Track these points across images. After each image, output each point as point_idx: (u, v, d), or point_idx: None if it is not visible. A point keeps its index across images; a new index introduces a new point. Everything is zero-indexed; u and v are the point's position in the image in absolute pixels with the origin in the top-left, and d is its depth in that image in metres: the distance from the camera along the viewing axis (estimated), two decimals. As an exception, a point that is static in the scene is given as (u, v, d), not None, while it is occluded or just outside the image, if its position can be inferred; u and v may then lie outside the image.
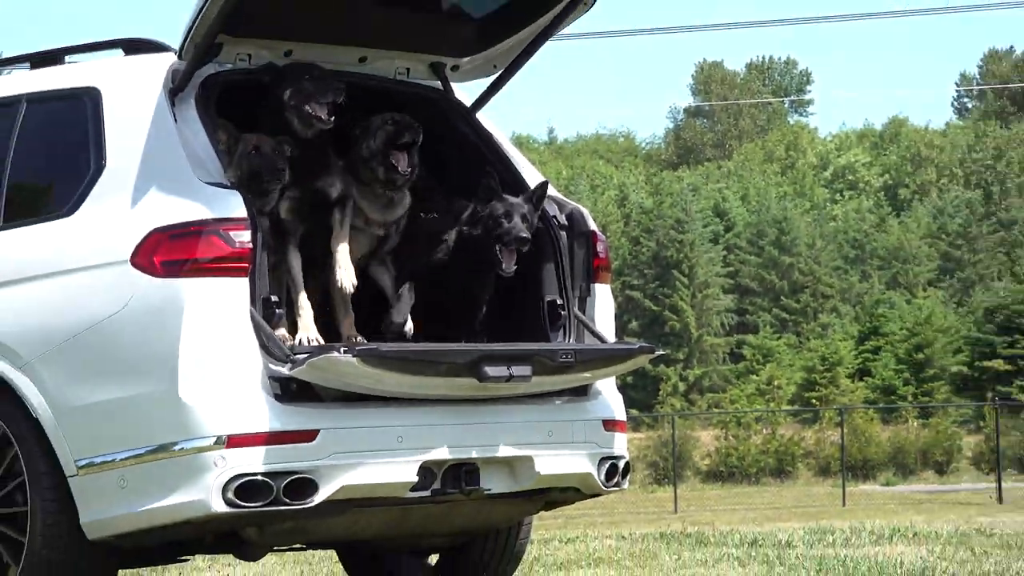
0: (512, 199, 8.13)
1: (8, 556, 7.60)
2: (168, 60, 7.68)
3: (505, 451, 7.81)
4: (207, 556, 10.66)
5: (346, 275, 7.81)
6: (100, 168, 7.65)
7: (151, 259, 7.20)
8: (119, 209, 7.42)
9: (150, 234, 7.23)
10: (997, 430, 45.95)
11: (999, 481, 40.72)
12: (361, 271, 8.12)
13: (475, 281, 8.34)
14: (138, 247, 7.22)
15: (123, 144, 7.61)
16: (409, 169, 7.93)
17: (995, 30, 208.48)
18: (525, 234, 7.96)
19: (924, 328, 75.58)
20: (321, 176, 7.88)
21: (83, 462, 7.34)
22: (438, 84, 8.88)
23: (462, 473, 7.67)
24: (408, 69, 8.77)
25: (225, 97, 7.83)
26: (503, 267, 8.05)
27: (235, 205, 7.24)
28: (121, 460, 7.22)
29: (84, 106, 7.95)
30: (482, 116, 8.91)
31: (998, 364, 71.34)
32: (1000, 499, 36.81)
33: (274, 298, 7.45)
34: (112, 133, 7.67)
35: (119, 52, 8.33)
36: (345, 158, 8.04)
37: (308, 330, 7.61)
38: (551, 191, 8.43)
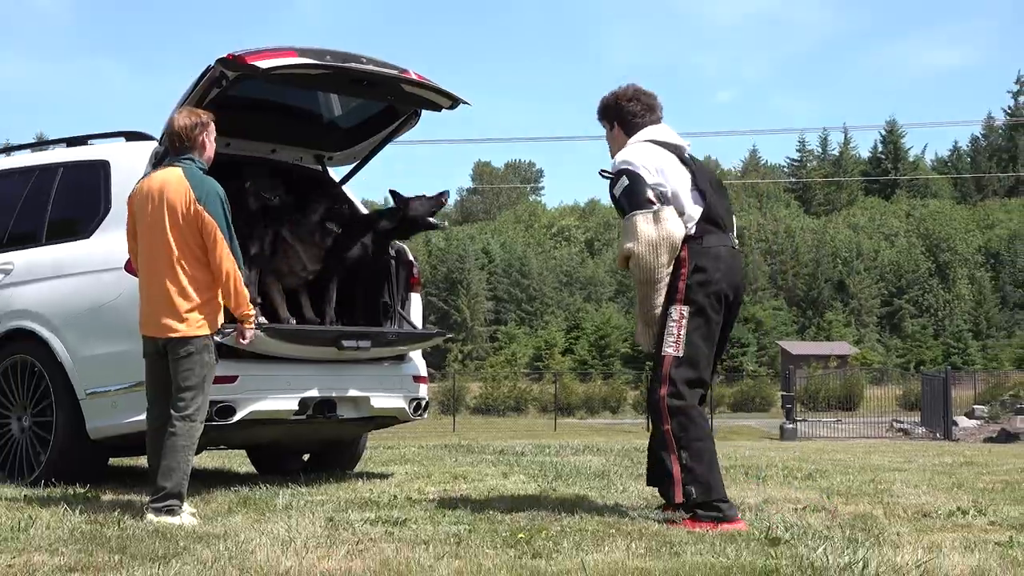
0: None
1: (39, 447, 7.48)
2: (152, 145, 7.55)
3: (353, 392, 7.81)
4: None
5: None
6: (107, 210, 7.55)
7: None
8: (118, 235, 7.26)
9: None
10: (648, 387, 46.87)
11: (648, 419, 41.34)
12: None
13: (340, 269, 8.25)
14: (128, 260, 7.08)
15: (122, 195, 7.39)
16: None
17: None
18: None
19: (605, 326, 76.38)
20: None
21: (90, 391, 7.26)
22: (319, 168, 8.88)
23: (325, 405, 7.66)
24: (301, 157, 8.77)
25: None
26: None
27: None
28: (113, 391, 7.15)
29: (99, 171, 7.85)
30: (346, 188, 8.90)
31: (650, 349, 72.30)
32: (648, 429, 37.29)
33: None
34: (115, 188, 7.57)
35: (122, 139, 8.20)
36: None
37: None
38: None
